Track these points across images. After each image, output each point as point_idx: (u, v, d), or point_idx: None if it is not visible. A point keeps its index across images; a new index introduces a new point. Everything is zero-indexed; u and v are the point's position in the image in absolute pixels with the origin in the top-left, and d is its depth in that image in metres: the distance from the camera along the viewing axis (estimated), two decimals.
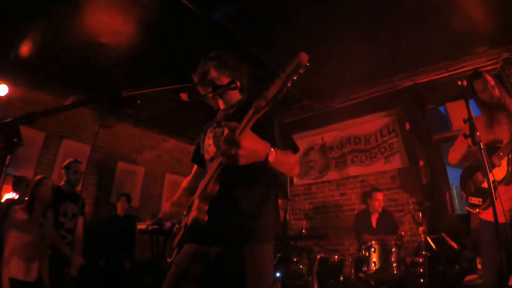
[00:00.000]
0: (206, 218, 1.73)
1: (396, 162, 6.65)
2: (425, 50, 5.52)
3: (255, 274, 1.76)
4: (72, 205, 4.62)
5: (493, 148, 2.97)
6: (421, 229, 4.69)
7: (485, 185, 3.00)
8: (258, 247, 1.83)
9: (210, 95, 1.90)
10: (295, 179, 7.89)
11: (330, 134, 7.69)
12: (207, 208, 1.74)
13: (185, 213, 2.08)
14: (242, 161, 1.46)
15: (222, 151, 1.47)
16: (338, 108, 7.17)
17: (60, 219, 4.45)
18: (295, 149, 1.90)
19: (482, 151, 2.28)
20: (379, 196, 5.55)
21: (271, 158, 1.56)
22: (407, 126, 6.53)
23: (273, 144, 1.69)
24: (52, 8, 4.60)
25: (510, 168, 2.86)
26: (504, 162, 2.88)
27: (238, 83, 1.92)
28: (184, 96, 1.99)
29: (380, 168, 6.81)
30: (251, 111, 1.44)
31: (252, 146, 1.47)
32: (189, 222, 1.82)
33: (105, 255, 5.88)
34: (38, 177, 4.25)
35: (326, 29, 5.00)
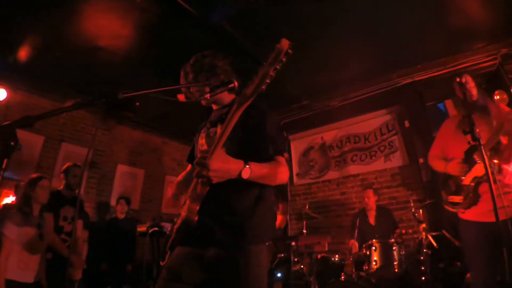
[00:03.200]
0: (196, 218, 1.70)
1: (396, 160, 6.65)
2: (423, 47, 5.55)
3: (249, 276, 1.74)
4: (72, 209, 4.60)
5: (474, 146, 3.00)
6: (421, 226, 4.69)
7: (465, 182, 3.05)
8: (252, 248, 1.81)
9: (208, 95, 1.89)
10: (295, 179, 7.90)
11: (329, 133, 7.70)
12: (198, 208, 1.72)
13: (178, 214, 2.07)
14: (215, 180, 1.58)
15: (195, 173, 1.58)
16: (338, 107, 7.18)
17: (60, 223, 4.44)
18: (283, 155, 1.93)
19: (482, 148, 2.28)
20: (367, 193, 5.60)
21: (244, 175, 1.65)
22: (407, 123, 6.54)
23: (264, 149, 1.85)
24: (51, 13, 4.61)
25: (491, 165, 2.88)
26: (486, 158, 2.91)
27: (236, 84, 1.92)
28: (181, 97, 1.99)
29: (380, 166, 6.81)
30: (234, 107, 1.53)
31: (222, 167, 1.58)
32: (179, 223, 1.80)
33: (107, 258, 5.87)
34: (33, 175, 4.17)
35: (324, 28, 5.01)
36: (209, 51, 2.19)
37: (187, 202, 1.76)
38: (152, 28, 4.97)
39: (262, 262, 1.86)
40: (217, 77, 2.05)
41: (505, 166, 2.96)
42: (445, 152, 3.42)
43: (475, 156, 3.01)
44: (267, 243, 1.95)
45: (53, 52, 5.39)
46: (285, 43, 1.45)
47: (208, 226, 1.79)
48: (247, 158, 1.71)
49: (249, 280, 1.74)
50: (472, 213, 3.00)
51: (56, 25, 4.86)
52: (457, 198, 3.11)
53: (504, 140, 2.97)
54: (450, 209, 3.21)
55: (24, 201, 3.87)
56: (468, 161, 3.07)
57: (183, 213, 1.74)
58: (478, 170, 2.97)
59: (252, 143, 1.88)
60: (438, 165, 3.43)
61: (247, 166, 1.65)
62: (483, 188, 2.95)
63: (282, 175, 1.87)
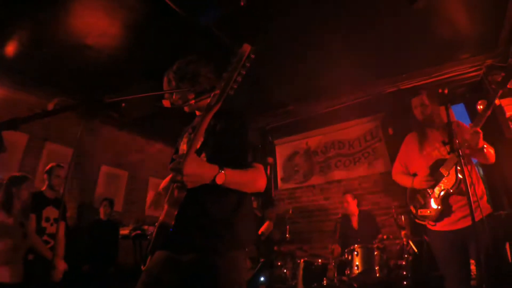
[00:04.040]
0: (173, 222, 1.69)
1: (379, 167, 6.74)
2: (409, 57, 5.60)
3: (227, 282, 1.75)
4: (54, 210, 4.56)
5: (440, 160, 3.20)
6: (403, 232, 4.76)
7: (434, 196, 3.19)
8: (231, 254, 1.81)
9: (193, 102, 1.90)
10: (279, 184, 7.94)
11: (314, 139, 7.76)
12: (175, 213, 1.71)
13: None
14: (189, 185, 1.60)
15: (170, 178, 1.61)
16: (323, 113, 7.22)
17: (42, 224, 4.39)
18: (262, 163, 1.94)
19: (461, 158, 2.34)
20: (346, 198, 5.73)
21: (219, 181, 1.66)
22: (390, 131, 6.63)
23: (242, 156, 1.86)
24: (38, 9, 4.54)
25: (457, 177, 3.03)
26: (452, 171, 3.07)
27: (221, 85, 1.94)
28: (166, 103, 1.99)
29: (364, 172, 6.89)
30: (204, 113, 1.56)
31: (196, 172, 1.59)
32: (157, 227, 1.80)
33: (89, 261, 5.81)
34: (16, 174, 4.12)
35: (311, 36, 5.05)
36: (192, 57, 2.19)
37: (165, 206, 1.75)
38: (139, 28, 4.94)
39: (241, 267, 1.86)
40: (200, 85, 2.05)
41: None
42: (408, 168, 3.55)
43: (441, 170, 3.15)
44: (246, 249, 1.95)
45: (40, 49, 5.33)
46: (246, 48, 1.47)
47: (187, 231, 1.79)
48: (224, 164, 1.72)
49: (227, 285, 1.74)
50: (442, 224, 3.10)
51: (43, 22, 4.79)
52: (426, 211, 3.21)
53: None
54: (421, 222, 3.31)
55: (7, 199, 3.82)
56: (434, 175, 3.18)
57: (161, 218, 1.73)
58: (446, 182, 3.09)
59: (231, 149, 1.89)
60: (404, 181, 3.58)
61: (222, 172, 1.67)
62: (453, 200, 3.06)
63: (258, 182, 1.89)
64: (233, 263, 1.81)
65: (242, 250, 1.90)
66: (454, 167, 3.04)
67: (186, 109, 2.16)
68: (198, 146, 1.63)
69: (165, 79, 2.19)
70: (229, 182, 1.71)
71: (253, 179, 1.87)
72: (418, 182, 3.32)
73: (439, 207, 3.11)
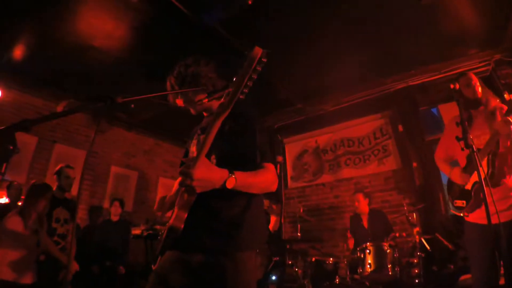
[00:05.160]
0: (182, 226, 1.67)
1: (390, 164, 6.69)
2: (417, 53, 5.58)
3: (236, 283, 1.73)
4: (64, 211, 4.58)
5: (478, 150, 2.97)
6: (415, 230, 4.72)
7: (468, 187, 3.06)
8: (239, 255, 1.79)
9: (206, 100, 1.88)
10: (289, 182, 7.92)
11: (323, 137, 7.72)
12: (185, 216, 1.68)
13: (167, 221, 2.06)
14: (199, 190, 1.57)
15: (180, 182, 1.57)
16: (332, 111, 7.20)
17: (52, 225, 4.41)
18: (272, 162, 1.90)
19: (475, 154, 2.29)
20: (357, 197, 5.66)
21: (229, 185, 1.61)
22: (400, 128, 6.57)
23: (251, 158, 1.82)
24: (45, 11, 4.58)
25: (490, 168, 2.89)
26: (484, 162, 2.90)
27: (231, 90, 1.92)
28: (179, 102, 1.98)
29: (374, 170, 6.84)
30: (213, 117, 1.52)
31: (205, 177, 1.53)
32: (166, 231, 1.79)
33: (99, 261, 5.83)
34: (38, 182, 4.18)
35: (318, 33, 5.03)
36: (191, 58, 2.15)
37: (175, 209, 1.74)
38: (145, 29, 4.95)
39: (250, 268, 1.84)
40: (203, 86, 2.03)
41: (507, 168, 2.97)
42: (449, 153, 3.40)
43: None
44: (257, 250, 1.93)
45: (46, 51, 5.37)
46: (257, 51, 1.42)
47: (196, 233, 1.78)
48: (234, 166, 1.69)
49: (237, 286, 1.73)
50: (476, 216, 3.01)
51: (49, 24, 4.83)
52: (461, 203, 3.13)
53: (503, 143, 2.95)
54: (456, 213, 3.22)
55: (25, 208, 3.89)
56: (470, 165, 3.06)
57: (171, 221, 1.71)
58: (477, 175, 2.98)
59: (239, 151, 1.87)
60: (443, 169, 3.43)
61: (232, 176, 1.62)
62: (487, 192, 2.93)
63: (270, 183, 1.85)
64: (243, 264, 1.78)
65: (252, 251, 1.88)
66: (487, 157, 2.91)
67: (192, 111, 2.15)
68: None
69: (168, 83, 2.17)
70: (239, 185, 1.67)
71: (264, 181, 1.83)
72: (454, 176, 3.20)
73: (471, 199, 3.01)
